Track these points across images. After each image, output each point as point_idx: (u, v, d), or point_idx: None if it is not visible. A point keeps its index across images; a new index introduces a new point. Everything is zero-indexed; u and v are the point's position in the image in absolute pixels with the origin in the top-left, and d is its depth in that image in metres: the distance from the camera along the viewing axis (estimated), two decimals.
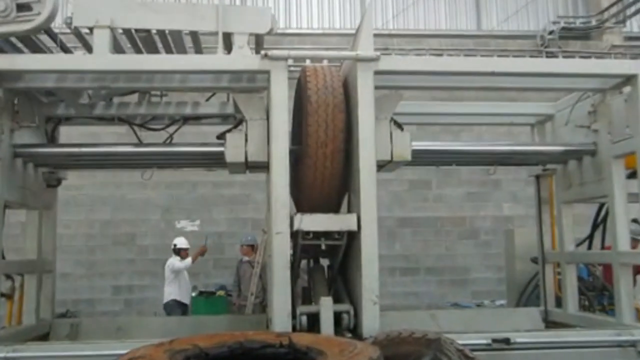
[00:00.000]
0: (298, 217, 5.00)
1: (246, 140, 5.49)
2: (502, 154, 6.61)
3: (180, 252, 12.19)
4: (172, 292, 12.00)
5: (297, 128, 5.72)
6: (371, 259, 4.93)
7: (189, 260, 12.04)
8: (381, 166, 5.64)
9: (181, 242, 12.35)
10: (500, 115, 7.42)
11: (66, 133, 7.17)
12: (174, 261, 12.09)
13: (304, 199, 5.43)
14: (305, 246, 5.49)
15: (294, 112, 5.94)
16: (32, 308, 6.18)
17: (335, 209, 5.55)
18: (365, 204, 4.98)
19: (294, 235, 5.09)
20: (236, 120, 6.60)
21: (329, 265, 6.10)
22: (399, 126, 6.00)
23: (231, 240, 14.07)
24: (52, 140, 6.72)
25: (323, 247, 5.92)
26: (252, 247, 12.00)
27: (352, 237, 5.13)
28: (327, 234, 5.18)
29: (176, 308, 11.83)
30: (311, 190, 5.34)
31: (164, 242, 14.08)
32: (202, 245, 12.24)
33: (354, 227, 5.01)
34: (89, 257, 14.19)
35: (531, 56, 15.05)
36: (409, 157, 5.64)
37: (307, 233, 5.07)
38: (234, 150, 5.54)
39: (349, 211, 5.39)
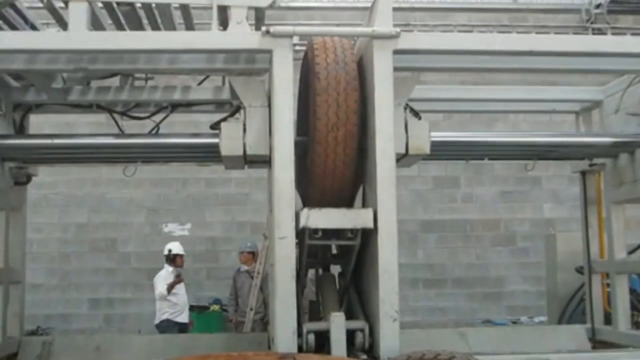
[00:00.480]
0: (305, 213, 5.00)
1: (244, 130, 5.51)
2: (542, 147, 6.63)
3: (175, 259, 11.96)
4: (164, 309, 11.74)
5: (302, 116, 5.74)
6: (389, 266, 4.93)
7: (163, 290, 11.65)
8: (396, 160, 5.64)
9: (176, 247, 12.07)
10: (539, 101, 7.44)
11: (37, 122, 7.22)
12: (164, 275, 11.81)
13: (313, 193, 5.41)
14: (312, 249, 5.51)
15: (299, 98, 5.96)
16: None
17: (349, 205, 5.49)
18: (382, 198, 4.98)
19: (300, 234, 5.09)
20: (233, 108, 6.63)
21: (340, 272, 6.11)
22: (416, 114, 6.01)
23: (227, 247, 14.09)
24: (20, 130, 6.78)
25: (334, 249, 5.94)
26: (253, 255, 11.98)
27: (368, 237, 5.14)
28: (338, 233, 5.19)
29: (171, 329, 11.52)
30: (321, 182, 5.32)
31: (148, 248, 14.10)
32: (176, 276, 11.87)
33: (370, 224, 5.01)
34: (62, 266, 14.20)
35: (575, 33, 14.96)
36: (427, 150, 5.65)
37: (316, 231, 5.07)
38: (230, 142, 5.56)
39: (364, 206, 5.35)
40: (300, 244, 5.23)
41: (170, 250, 11.95)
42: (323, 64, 5.22)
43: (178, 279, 11.76)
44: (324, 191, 5.38)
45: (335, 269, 6.22)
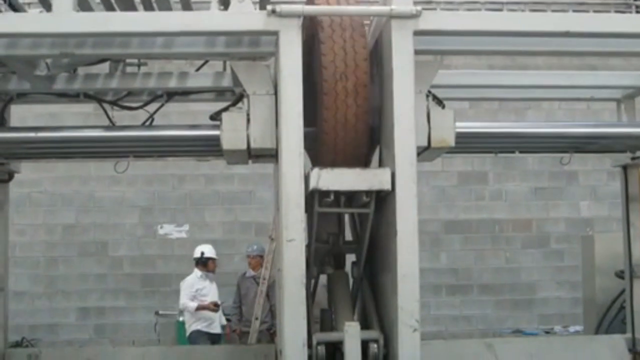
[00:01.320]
0: (315, 173, 4.94)
1: (248, 121, 5.50)
2: (580, 138, 6.62)
3: (207, 263, 11.97)
4: (192, 319, 11.79)
5: (307, 103, 5.70)
6: (409, 269, 4.90)
7: (187, 303, 11.70)
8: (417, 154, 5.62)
9: (209, 249, 12.10)
10: (576, 88, 7.38)
11: (19, 113, 7.24)
12: (190, 282, 11.82)
13: (324, 153, 5.37)
14: (322, 233, 5.48)
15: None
16: None
17: (365, 163, 5.50)
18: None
19: (309, 201, 5.05)
20: (235, 96, 6.63)
21: (353, 262, 6.07)
22: (439, 102, 5.99)
23: (229, 250, 14.11)
24: (1, 122, 6.79)
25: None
26: (262, 258, 11.99)
27: (384, 205, 5.10)
28: (351, 200, 5.16)
29: (202, 340, 11.54)
30: (332, 139, 5.28)
31: (142, 252, 14.17)
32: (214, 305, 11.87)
33: (387, 186, 4.95)
34: (49, 272, 14.27)
35: (617, 11, 14.91)
36: (452, 143, 5.63)
37: (327, 194, 5.03)
38: (232, 134, 5.54)
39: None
40: (309, 214, 5.17)
41: (202, 253, 12.00)
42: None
43: (213, 308, 11.79)
44: (335, 150, 5.33)
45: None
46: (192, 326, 11.70)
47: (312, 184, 4.92)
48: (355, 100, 5.17)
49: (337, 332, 5.14)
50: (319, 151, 5.39)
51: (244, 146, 5.52)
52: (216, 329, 11.83)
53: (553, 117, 14.15)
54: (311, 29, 5.44)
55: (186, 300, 11.67)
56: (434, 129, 5.58)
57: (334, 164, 5.25)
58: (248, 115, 5.54)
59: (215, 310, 11.81)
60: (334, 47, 5.15)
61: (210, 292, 11.87)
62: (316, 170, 4.96)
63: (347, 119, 5.20)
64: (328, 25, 5.18)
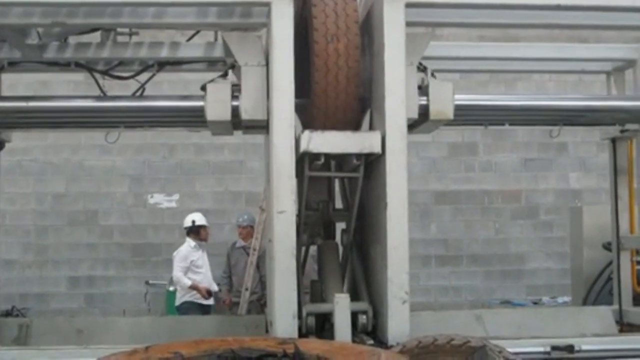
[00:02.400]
0: (306, 136, 5.00)
1: (235, 92, 5.51)
2: (569, 111, 6.64)
3: (199, 232, 11.93)
4: (184, 291, 11.75)
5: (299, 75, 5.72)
6: (398, 241, 4.95)
7: (179, 275, 11.62)
8: (411, 126, 5.63)
9: (199, 217, 12.07)
10: (567, 60, 7.41)
11: (9, 82, 7.23)
12: (185, 253, 11.75)
13: (315, 115, 5.40)
14: (313, 201, 5.51)
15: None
16: None
17: (357, 127, 5.54)
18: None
19: (299, 164, 5.09)
20: (226, 66, 6.63)
21: (343, 229, 6.09)
22: (431, 74, 6.03)
23: (220, 220, 14.11)
24: None
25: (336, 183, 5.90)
26: (252, 229, 12.00)
27: (374, 171, 5.14)
28: (342, 164, 5.18)
29: (193, 311, 11.47)
30: (323, 102, 5.31)
31: (132, 222, 14.16)
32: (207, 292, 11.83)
33: (377, 149, 5.02)
34: (39, 241, 14.25)
35: None
36: (450, 115, 5.67)
37: (317, 157, 5.08)
38: (217, 105, 5.58)
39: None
40: (299, 179, 5.20)
41: (194, 222, 11.95)
42: None
43: (205, 295, 11.75)
44: (327, 113, 5.36)
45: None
46: (183, 297, 11.68)
47: (303, 147, 4.96)
48: (346, 62, 5.20)
49: (327, 303, 5.19)
50: (311, 114, 5.40)
51: (228, 117, 5.56)
52: (208, 300, 11.82)
53: (543, 89, 14.17)
54: None
55: (180, 275, 11.60)
56: (432, 102, 5.62)
57: (324, 127, 5.28)
58: (238, 86, 5.55)
59: (207, 298, 11.77)
60: (325, 9, 5.19)
61: (204, 262, 11.88)
62: (307, 132, 5.00)
63: (339, 80, 5.23)
64: None
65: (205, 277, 11.87)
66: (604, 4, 5.57)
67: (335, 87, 5.25)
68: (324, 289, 5.70)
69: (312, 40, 5.21)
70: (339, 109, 5.35)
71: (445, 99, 5.62)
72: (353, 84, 5.29)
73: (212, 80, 5.71)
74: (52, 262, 14.22)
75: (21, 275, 13.96)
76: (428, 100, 5.63)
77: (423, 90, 5.72)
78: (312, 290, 6.05)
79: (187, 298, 11.66)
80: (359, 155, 5.11)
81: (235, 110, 5.55)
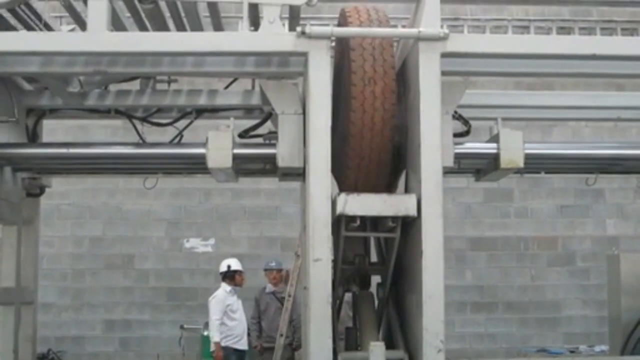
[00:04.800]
0: (342, 198, 5.04)
1: (272, 140, 5.55)
2: (605, 160, 6.64)
3: (235, 277, 11.78)
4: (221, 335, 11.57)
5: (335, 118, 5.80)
6: (435, 290, 4.95)
7: (217, 318, 11.45)
8: (480, 174, 6.02)
9: (235, 263, 11.91)
10: (603, 108, 7.41)
11: (48, 126, 7.36)
12: (221, 297, 11.58)
13: (351, 158, 5.47)
14: (349, 254, 5.54)
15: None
16: (9, 348, 6.34)
17: (390, 176, 5.63)
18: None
19: (335, 225, 5.13)
20: (264, 114, 6.73)
21: (379, 283, 6.14)
22: (466, 122, 6.13)
23: (254, 265, 14.07)
24: (33, 136, 6.92)
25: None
26: (280, 273, 12.01)
27: (410, 229, 5.17)
28: (377, 224, 5.22)
29: (229, 356, 11.45)
30: (359, 143, 5.39)
31: (168, 266, 14.21)
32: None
33: (413, 212, 5.04)
34: (75, 284, 14.34)
35: None
36: (521, 163, 5.81)
37: (353, 219, 5.12)
38: (217, 152, 5.70)
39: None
40: (335, 236, 5.25)
41: (229, 267, 11.81)
42: (356, 22, 5.40)
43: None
44: (362, 155, 5.43)
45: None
46: (221, 342, 11.60)
47: (339, 209, 5.02)
48: (382, 105, 5.30)
49: (363, 351, 5.18)
50: (346, 155, 5.46)
51: (229, 164, 5.70)
52: (243, 346, 11.73)
53: (579, 135, 14.12)
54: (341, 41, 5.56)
55: (216, 324, 11.44)
56: (503, 150, 5.75)
57: (360, 169, 5.41)
58: (275, 133, 5.64)
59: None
60: (363, 54, 5.29)
61: (239, 307, 11.78)
62: (343, 195, 5.06)
63: (374, 121, 5.31)
64: None
65: (240, 323, 11.77)
66: (638, 53, 5.59)
67: (371, 128, 5.33)
68: (360, 337, 5.70)
69: (349, 82, 5.31)
70: (374, 151, 5.43)
71: (515, 147, 5.73)
72: (388, 127, 5.37)
73: (256, 127, 5.88)
74: (88, 306, 14.28)
75: (58, 319, 14.03)
76: (499, 148, 5.76)
77: (493, 138, 5.82)
78: (346, 337, 6.04)
79: (224, 344, 11.58)
80: (394, 218, 5.14)
81: (236, 158, 5.75)
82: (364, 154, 5.43)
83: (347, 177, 5.47)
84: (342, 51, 5.63)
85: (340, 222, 5.15)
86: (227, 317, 11.56)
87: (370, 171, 5.51)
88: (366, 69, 5.27)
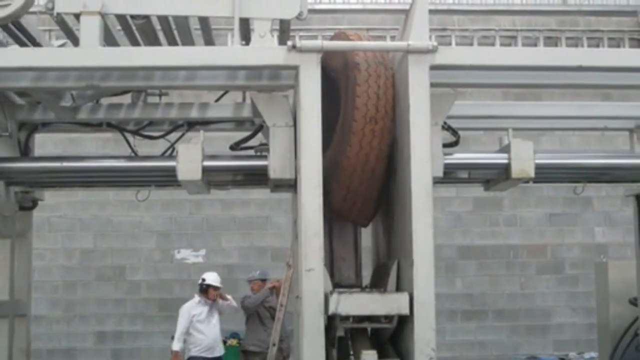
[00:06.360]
0: (334, 299, 5.04)
1: (263, 152, 5.60)
2: (593, 169, 6.70)
3: (208, 290, 11.59)
4: (188, 345, 11.47)
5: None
6: (426, 299, 5.01)
7: (181, 330, 11.38)
8: (490, 183, 6.22)
9: (212, 277, 11.69)
10: (590, 118, 7.48)
11: (38, 139, 7.39)
12: (188, 308, 11.46)
13: (337, 189, 5.57)
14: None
15: None
16: None
17: (373, 208, 5.78)
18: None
19: (329, 320, 5.12)
20: (255, 126, 6.79)
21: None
22: (454, 132, 6.22)
23: (245, 275, 14.09)
24: (25, 150, 6.94)
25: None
26: (263, 282, 12.03)
27: (403, 319, 5.18)
28: (371, 317, 5.26)
29: None
30: (349, 177, 5.49)
31: (159, 277, 14.25)
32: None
33: (405, 311, 5.05)
34: (67, 296, 14.38)
35: (631, 38, 14.99)
36: (532, 173, 5.92)
37: (347, 317, 5.13)
38: (187, 165, 5.80)
39: (399, 286, 5.41)
40: (328, 334, 5.18)
41: (203, 280, 11.67)
42: (363, 56, 5.46)
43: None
44: (349, 188, 5.55)
45: None
46: (191, 351, 11.51)
47: (331, 309, 5.03)
48: (379, 144, 5.41)
49: None
50: (332, 187, 5.55)
51: (199, 177, 5.79)
52: (214, 353, 11.59)
53: (567, 143, 14.25)
54: (342, 67, 5.59)
55: (177, 336, 11.39)
56: (514, 160, 5.89)
57: (345, 201, 5.56)
58: (266, 145, 5.69)
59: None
60: (368, 91, 5.36)
61: (207, 318, 11.53)
62: (335, 295, 5.06)
63: (368, 159, 5.43)
64: (365, 69, 5.39)
65: (209, 333, 11.56)
66: (624, 65, 5.65)
67: (364, 165, 5.45)
68: (352, 346, 5.73)
69: (351, 116, 5.38)
70: (362, 187, 5.56)
71: (526, 157, 5.82)
72: (381, 166, 5.50)
73: (247, 139, 5.95)
74: (80, 317, 14.30)
75: (49, 331, 14.04)
76: (509, 158, 5.89)
77: (504, 149, 5.98)
78: (339, 346, 6.08)
79: (192, 353, 11.51)
80: (387, 316, 5.15)
81: (206, 170, 5.88)
82: (352, 187, 5.56)
83: (331, 203, 5.58)
84: (342, 70, 5.64)
85: (334, 320, 5.13)
86: (193, 327, 11.49)
87: (355, 204, 5.67)
88: (369, 107, 5.35)
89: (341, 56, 5.59)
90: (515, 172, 5.86)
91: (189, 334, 11.42)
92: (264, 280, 12.08)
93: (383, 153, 5.46)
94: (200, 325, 11.49)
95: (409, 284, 5.09)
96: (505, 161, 6.04)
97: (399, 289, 5.38)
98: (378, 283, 5.91)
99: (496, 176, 6.44)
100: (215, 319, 11.68)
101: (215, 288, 11.59)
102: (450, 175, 6.49)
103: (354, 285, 6.26)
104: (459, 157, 6.50)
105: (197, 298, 11.61)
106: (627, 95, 10.79)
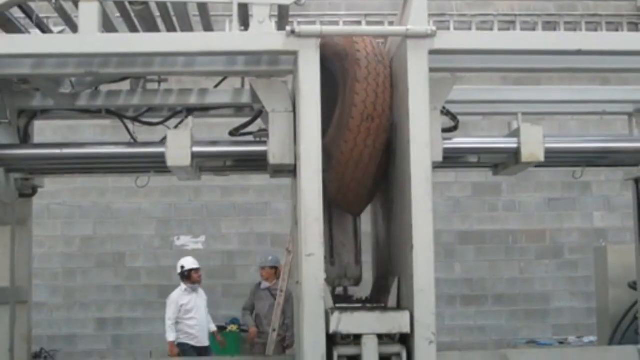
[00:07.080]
0: (335, 317, 5.04)
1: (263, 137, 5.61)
2: (592, 153, 6.71)
3: (190, 275, 11.77)
4: (178, 333, 11.69)
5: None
6: (425, 284, 5.03)
7: (170, 317, 11.63)
8: (500, 168, 6.29)
9: (189, 262, 11.86)
10: (588, 102, 7.49)
11: (37, 126, 7.39)
12: (176, 297, 11.69)
13: (330, 183, 5.61)
14: None
15: None
16: (6, 347, 6.39)
17: (365, 201, 5.90)
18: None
19: (331, 338, 5.10)
20: (254, 112, 6.79)
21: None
22: (454, 117, 6.24)
23: (245, 262, 14.21)
24: (25, 137, 6.95)
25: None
26: (276, 270, 12.03)
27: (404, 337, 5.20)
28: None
29: (189, 352, 11.49)
30: (342, 172, 5.55)
31: (159, 263, 14.26)
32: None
33: (406, 329, 5.06)
34: (67, 283, 14.39)
35: (630, 23, 14.94)
36: (541, 157, 5.97)
37: (348, 336, 5.12)
38: (177, 151, 5.81)
39: (400, 303, 5.42)
40: (329, 354, 5.13)
41: (183, 267, 11.80)
42: (364, 53, 5.48)
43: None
44: (342, 182, 5.62)
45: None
46: (178, 339, 11.57)
47: (332, 328, 5.03)
48: (374, 143, 5.44)
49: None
50: (325, 177, 5.51)
51: (188, 163, 5.80)
52: (202, 343, 11.75)
53: (566, 128, 14.23)
54: (341, 61, 5.60)
55: (168, 326, 11.64)
56: (524, 145, 5.94)
57: (337, 196, 5.65)
58: (265, 130, 5.70)
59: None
60: (367, 89, 5.38)
61: (196, 305, 11.72)
62: (336, 314, 5.05)
63: (362, 156, 5.47)
64: (365, 66, 5.41)
65: (198, 321, 11.76)
66: (623, 48, 5.68)
67: (357, 162, 5.49)
68: None
69: (348, 113, 5.40)
70: (354, 183, 5.62)
71: (536, 141, 5.87)
72: (374, 164, 5.54)
73: (246, 125, 5.92)
74: (80, 304, 14.32)
75: (49, 318, 14.07)
76: (519, 143, 5.94)
77: (513, 133, 6.04)
78: None
79: (181, 340, 11.58)
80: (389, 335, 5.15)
81: (195, 156, 5.90)
82: (344, 183, 5.62)
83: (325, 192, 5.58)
84: (341, 64, 5.64)
85: (335, 339, 5.12)
86: (181, 317, 11.55)
87: (346, 196, 5.74)
88: (367, 105, 5.37)
89: (342, 50, 5.60)
90: (525, 156, 5.91)
91: (178, 322, 11.51)
92: (276, 268, 12.08)
93: (377, 151, 5.50)
94: (188, 314, 11.57)
95: (409, 301, 5.12)
96: (515, 145, 6.08)
97: (399, 305, 5.40)
98: (379, 298, 5.92)
99: (506, 160, 6.47)
100: (202, 306, 11.75)
101: (196, 270, 11.68)
102: (459, 160, 6.55)
103: (356, 278, 6.34)
104: (469, 141, 6.61)
105: (183, 286, 11.69)
106: (625, 79, 10.84)
